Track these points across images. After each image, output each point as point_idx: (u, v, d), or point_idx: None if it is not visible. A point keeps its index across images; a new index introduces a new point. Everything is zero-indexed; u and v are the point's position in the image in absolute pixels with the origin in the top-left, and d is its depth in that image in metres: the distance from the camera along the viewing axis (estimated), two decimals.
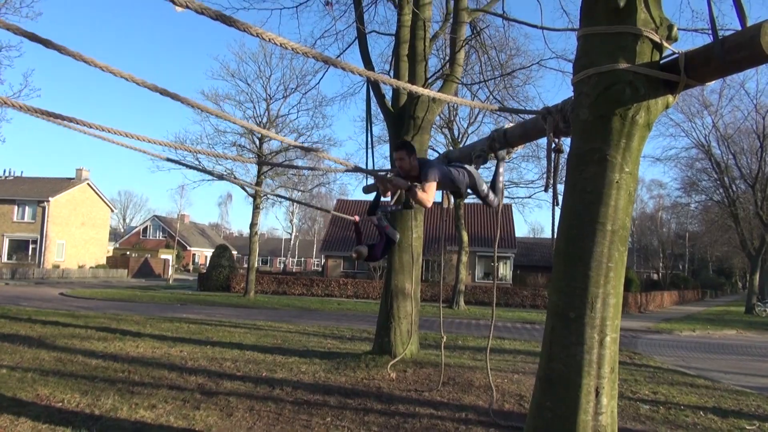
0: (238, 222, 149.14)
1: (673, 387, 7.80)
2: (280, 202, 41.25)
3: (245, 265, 33.53)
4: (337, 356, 8.74)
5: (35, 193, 39.36)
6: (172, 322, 13.11)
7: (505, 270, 34.26)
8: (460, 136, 23.60)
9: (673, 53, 2.87)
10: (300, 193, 31.04)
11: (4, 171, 43.24)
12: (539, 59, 14.60)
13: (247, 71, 41.68)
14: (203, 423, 5.09)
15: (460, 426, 5.26)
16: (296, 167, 28.54)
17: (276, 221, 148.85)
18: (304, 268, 67.35)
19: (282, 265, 67.72)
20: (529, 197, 27.71)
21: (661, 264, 53.18)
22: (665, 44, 2.89)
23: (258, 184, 24.27)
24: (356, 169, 5.42)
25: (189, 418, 5.22)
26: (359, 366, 7.80)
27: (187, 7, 1.72)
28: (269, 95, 24.73)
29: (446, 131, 23.80)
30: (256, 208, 25.40)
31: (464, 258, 23.35)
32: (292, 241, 67.04)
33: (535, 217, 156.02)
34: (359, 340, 11.17)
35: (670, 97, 2.95)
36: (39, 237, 38.45)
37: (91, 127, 3.48)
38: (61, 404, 5.54)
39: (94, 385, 6.35)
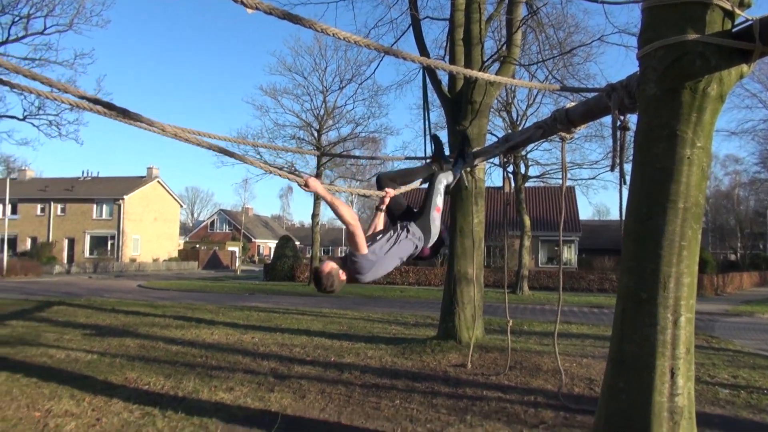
0: (300, 213, 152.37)
1: (755, 371, 7.44)
2: (340, 192, 41.72)
3: (308, 255, 34.37)
4: (403, 342, 8.87)
5: (111, 191, 41.71)
6: (243, 311, 13.68)
7: (569, 254, 33.42)
8: (519, 118, 23.11)
9: (747, 20, 2.74)
10: (358, 182, 31.38)
11: (83, 172, 46.05)
12: (600, 35, 14.05)
13: (303, 64, 42.30)
14: (278, 404, 5.33)
15: (529, 409, 5.26)
16: (353, 157, 28.82)
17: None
18: None
19: (343, 254, 68.68)
20: (593, 178, 26.74)
21: (739, 244, 50.21)
22: (737, 11, 2.76)
23: (318, 175, 24.72)
24: (407, 158, 5.47)
25: (264, 400, 5.47)
26: (425, 351, 7.90)
27: (257, 8, 1.82)
28: (325, 87, 25.07)
29: (504, 114, 23.36)
30: (316, 199, 25.90)
31: (527, 243, 22.96)
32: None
33: (600, 198, 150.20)
34: (423, 326, 11.27)
35: (745, 67, 2.82)
36: (116, 233, 40.79)
37: (164, 129, 3.69)
38: (147, 387, 5.94)
39: (175, 370, 6.75)
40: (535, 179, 25.78)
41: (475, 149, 6.50)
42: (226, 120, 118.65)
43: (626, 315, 2.93)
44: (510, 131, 19.83)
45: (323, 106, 25.22)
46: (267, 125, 40.24)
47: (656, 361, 2.73)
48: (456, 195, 8.66)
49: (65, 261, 38.82)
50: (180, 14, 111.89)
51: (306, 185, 3.25)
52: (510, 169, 21.88)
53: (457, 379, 6.47)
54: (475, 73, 3.75)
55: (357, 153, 28.91)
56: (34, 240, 40.74)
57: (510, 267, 26.55)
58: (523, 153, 22.59)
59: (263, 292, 21.63)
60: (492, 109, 19.44)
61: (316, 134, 25.25)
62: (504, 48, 10.03)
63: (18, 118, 17.18)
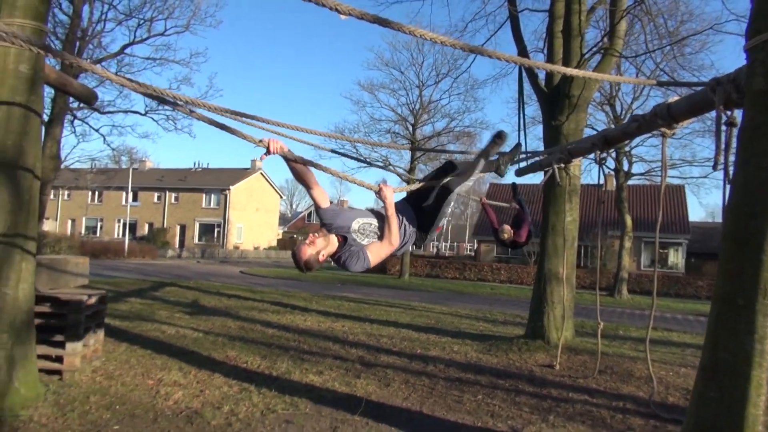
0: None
1: None
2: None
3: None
4: (489, 339, 8.83)
5: (219, 182, 44.56)
6: (334, 300, 14.18)
7: (675, 257, 31.27)
8: (623, 112, 21.87)
9: None
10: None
11: (194, 163, 49.56)
12: (714, 23, 13.00)
13: (401, 59, 42.72)
14: (363, 390, 5.53)
15: (617, 415, 5.08)
16: (447, 152, 28.71)
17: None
18: (457, 253, 67.71)
19: (435, 250, 68.84)
20: (705, 177, 24.78)
21: None
22: None
23: (411, 170, 24.94)
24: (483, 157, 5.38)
25: (351, 385, 5.71)
26: (511, 349, 7.82)
27: (350, 14, 1.95)
28: (422, 82, 25.19)
29: (607, 108, 22.21)
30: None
31: (627, 244, 21.71)
32: (444, 226, 67.72)
33: (713, 199, 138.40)
34: (512, 324, 11.11)
35: None
36: (222, 221, 43.55)
37: (267, 123, 3.96)
38: (245, 365, 6.38)
39: (271, 351, 7.19)
40: (639, 177, 24.29)
41: (569, 145, 6.34)
42: (326, 114, 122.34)
43: (721, 321, 2.79)
44: (613, 126, 18.83)
45: (419, 100, 25.38)
46: (363, 120, 41.03)
47: (752, 372, 2.59)
48: (549, 192, 8.46)
49: (177, 246, 42.03)
50: (282, 13, 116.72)
51: (379, 192, 3.04)
52: (611, 165, 20.83)
53: (543, 379, 6.36)
54: (566, 69, 3.68)
55: (452, 148, 28.83)
56: (150, 225, 44.47)
57: (608, 269, 25.33)
58: (627, 149, 21.38)
59: (354, 283, 22.21)
60: (593, 102, 18.62)
61: (410, 128, 25.48)
62: (606, 39, 9.61)
63: (140, 113, 18.85)
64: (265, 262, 38.29)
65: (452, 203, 3.29)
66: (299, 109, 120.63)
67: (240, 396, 5.11)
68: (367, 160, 22.62)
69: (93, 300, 5.66)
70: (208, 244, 42.12)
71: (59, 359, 5.26)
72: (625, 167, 22.23)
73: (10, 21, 4.22)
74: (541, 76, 9.43)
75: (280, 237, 54.50)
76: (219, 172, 47.35)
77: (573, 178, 8.27)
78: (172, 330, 8.28)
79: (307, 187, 3.17)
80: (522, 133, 7.87)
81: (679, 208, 31.75)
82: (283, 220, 69.00)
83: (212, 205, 44.34)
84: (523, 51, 9.66)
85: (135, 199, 43.80)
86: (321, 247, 2.89)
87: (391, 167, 24.14)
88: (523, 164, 6.95)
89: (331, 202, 3.26)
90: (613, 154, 20.16)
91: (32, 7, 4.31)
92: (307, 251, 2.84)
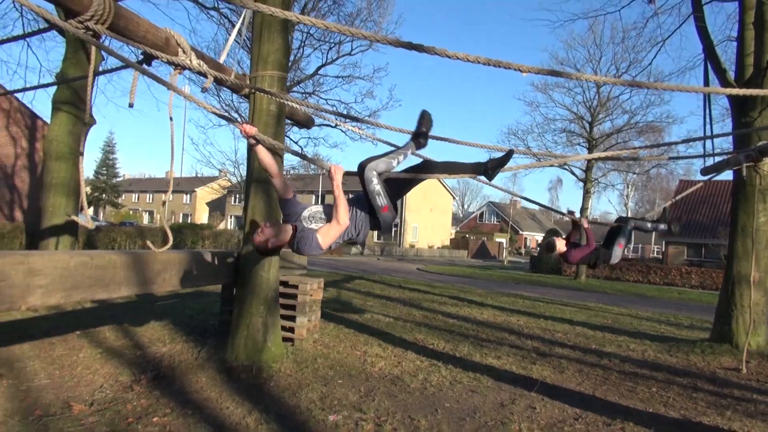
0: (568, 206, 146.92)
1: None
2: (613, 185, 39.63)
3: None
4: (670, 340, 8.72)
5: None
6: (509, 297, 14.70)
7: None
8: None
9: None
10: (635, 175, 29.52)
11: None
12: None
13: (576, 57, 41.21)
14: (539, 374, 6.13)
15: None
16: (619, 155, 27.16)
17: (609, 205, 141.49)
18: (641, 255, 62.81)
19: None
20: None
21: None
22: None
23: (588, 169, 24.24)
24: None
25: (527, 369, 6.33)
26: (693, 351, 7.72)
27: (529, 72, 2.67)
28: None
29: None
30: (586, 193, 25.40)
31: None
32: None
33: None
34: (698, 329, 10.66)
35: None
36: (399, 221, 46.12)
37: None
38: (432, 346, 7.35)
39: (452, 337, 8.08)
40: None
41: (761, 143, 6.21)
42: (501, 118, 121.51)
43: None
44: None
45: (596, 97, 24.55)
46: (537, 120, 40.42)
47: None
48: (738, 192, 8.13)
49: (358, 244, 45.52)
50: (454, 23, 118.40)
51: (329, 172, 3.26)
52: None
53: (726, 380, 6.32)
54: (735, 90, 3.92)
55: (636, 144, 27.25)
56: None
57: None
58: None
59: (528, 282, 22.33)
60: None
61: (587, 126, 24.76)
62: None
63: (331, 126, 21.23)
64: (439, 261, 39.74)
65: (374, 182, 3.30)
66: (472, 113, 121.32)
67: (430, 369, 6.05)
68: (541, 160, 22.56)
69: (315, 285, 7.06)
70: (386, 243, 44.94)
71: (291, 330, 6.71)
72: None
73: (263, 72, 5.66)
74: (733, 68, 8.99)
75: (453, 236, 55.85)
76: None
77: (765, 177, 7.85)
78: (367, 315, 9.62)
79: (272, 175, 3.47)
80: (708, 128, 7.74)
81: None
82: (456, 220, 70.36)
83: None
84: (709, 46, 9.28)
85: (323, 201, 48.40)
86: (269, 235, 3.20)
87: (567, 167, 23.78)
88: (709, 162, 6.91)
89: (294, 194, 3.52)
90: None
91: (278, 60, 5.71)
92: (257, 239, 3.23)
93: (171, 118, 4.16)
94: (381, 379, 5.53)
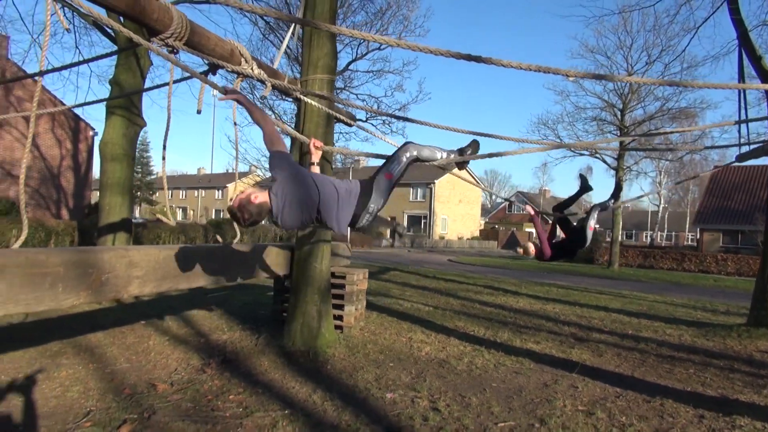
0: (599, 195, 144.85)
1: None
2: (645, 173, 39.12)
3: (608, 239, 33.48)
4: (706, 325, 8.87)
5: (424, 176, 47.42)
6: (542, 286, 14.90)
7: None
8: None
9: None
10: (668, 162, 29.18)
11: None
12: None
13: (607, 44, 40.73)
14: (578, 357, 6.41)
15: None
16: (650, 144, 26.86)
17: (641, 192, 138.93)
18: (675, 243, 61.76)
19: (649, 239, 63.66)
20: None
21: None
22: None
23: (619, 157, 24.10)
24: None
25: (566, 353, 6.62)
26: (729, 335, 7.88)
27: (575, 77, 2.96)
28: (630, 65, 24.12)
29: None
30: (618, 181, 25.24)
31: None
32: (660, 214, 62.24)
33: None
34: (735, 315, 10.74)
35: None
36: (428, 213, 46.38)
37: (438, 127, 5.11)
38: (472, 332, 7.67)
39: (491, 324, 8.39)
40: None
41: None
42: (530, 107, 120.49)
43: None
44: None
45: (628, 84, 24.31)
46: (567, 109, 40.08)
47: None
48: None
49: (389, 236, 45.91)
50: (482, 14, 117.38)
51: (224, 93, 3.23)
52: None
53: (762, 362, 6.50)
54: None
55: (668, 129, 26.87)
56: None
57: None
58: None
59: (560, 272, 22.40)
60: None
61: (619, 114, 24.60)
62: None
63: (362, 120, 21.58)
64: (470, 252, 39.90)
65: (405, 157, 3.24)
66: (500, 104, 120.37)
67: (474, 353, 6.39)
68: (571, 148, 22.55)
69: (361, 276, 7.45)
70: (416, 235, 45.25)
71: (340, 318, 7.11)
72: None
73: (314, 76, 6.04)
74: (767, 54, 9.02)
75: (482, 228, 55.82)
76: (424, 166, 50.16)
77: None
78: (407, 304, 9.99)
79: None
80: (743, 113, 7.83)
81: None
82: (484, 210, 70.17)
83: (419, 198, 47.47)
84: (744, 33, 9.31)
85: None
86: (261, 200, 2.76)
87: (598, 155, 23.70)
88: (745, 149, 7.04)
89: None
90: None
91: (327, 64, 6.08)
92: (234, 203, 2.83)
93: (235, 123, 4.58)
94: (429, 362, 5.88)
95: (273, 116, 19.35)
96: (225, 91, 3.33)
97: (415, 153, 3.30)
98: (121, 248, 3.70)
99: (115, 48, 10.53)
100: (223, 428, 3.83)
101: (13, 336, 6.23)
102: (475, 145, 3.76)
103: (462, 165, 3.96)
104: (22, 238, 3.03)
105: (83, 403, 4.24)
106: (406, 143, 3.36)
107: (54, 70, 4.94)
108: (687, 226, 62.18)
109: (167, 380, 4.91)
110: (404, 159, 3.25)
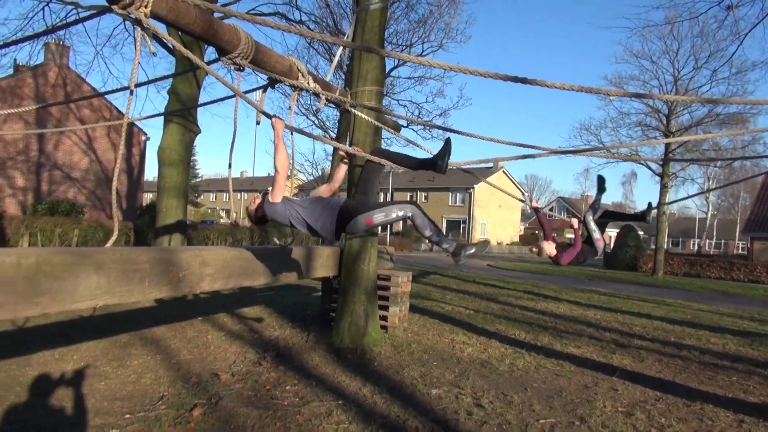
0: (643, 201, 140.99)
1: None
2: (693, 179, 38.10)
3: (652, 246, 32.79)
4: (753, 335, 8.78)
5: (463, 181, 47.42)
6: (583, 292, 14.85)
7: None
8: None
9: None
10: (717, 168, 28.44)
11: None
12: None
13: (653, 49, 39.90)
14: (619, 362, 6.51)
15: None
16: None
17: (688, 200, 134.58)
18: (724, 251, 59.74)
19: (696, 247, 61.80)
20: None
21: None
22: None
23: (665, 162, 23.65)
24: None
25: (607, 358, 6.73)
26: None
27: (617, 95, 3.17)
28: (677, 69, 23.68)
29: None
30: (663, 187, 24.77)
31: None
32: (708, 221, 60.35)
33: None
34: None
35: None
36: (467, 218, 46.33)
37: (481, 138, 5.31)
38: (513, 336, 7.85)
39: (531, 328, 8.53)
40: None
41: None
42: (573, 113, 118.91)
43: None
44: None
45: (674, 89, 23.87)
46: (611, 114, 39.44)
47: None
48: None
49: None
50: (523, 22, 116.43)
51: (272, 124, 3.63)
52: None
53: None
54: None
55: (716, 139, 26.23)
56: (405, 222, 49.59)
57: None
58: None
59: (602, 279, 22.13)
60: None
61: (664, 119, 24.16)
62: None
63: (404, 126, 21.90)
64: (509, 257, 39.66)
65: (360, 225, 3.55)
66: (540, 107, 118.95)
67: (515, 355, 6.58)
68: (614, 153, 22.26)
69: (404, 278, 7.74)
70: (455, 239, 45.29)
71: (384, 318, 7.40)
72: None
73: (363, 88, 6.37)
74: None
75: (522, 233, 55.32)
76: (462, 172, 50.32)
77: None
78: (448, 307, 10.21)
79: (335, 182, 4.03)
80: None
81: None
82: (525, 216, 69.48)
83: (458, 203, 47.51)
84: None
85: (392, 198, 49.28)
86: (260, 205, 3.75)
87: (642, 161, 23.34)
88: None
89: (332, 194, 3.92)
90: None
91: (376, 77, 6.40)
92: (251, 207, 3.84)
93: (293, 132, 4.91)
94: (471, 363, 6.11)
95: (317, 122, 19.87)
96: (270, 117, 3.72)
97: (410, 214, 3.46)
98: (196, 248, 4.09)
99: (172, 58, 11.16)
100: (283, 415, 4.17)
101: (87, 328, 6.78)
102: (447, 147, 3.70)
103: (457, 259, 3.79)
104: (113, 238, 3.44)
105: (156, 389, 4.66)
106: (411, 203, 3.53)
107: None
108: (737, 234, 60.07)
109: (228, 371, 5.30)
110: (394, 215, 3.43)
